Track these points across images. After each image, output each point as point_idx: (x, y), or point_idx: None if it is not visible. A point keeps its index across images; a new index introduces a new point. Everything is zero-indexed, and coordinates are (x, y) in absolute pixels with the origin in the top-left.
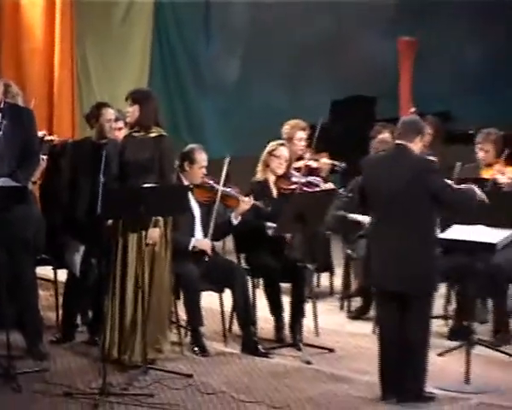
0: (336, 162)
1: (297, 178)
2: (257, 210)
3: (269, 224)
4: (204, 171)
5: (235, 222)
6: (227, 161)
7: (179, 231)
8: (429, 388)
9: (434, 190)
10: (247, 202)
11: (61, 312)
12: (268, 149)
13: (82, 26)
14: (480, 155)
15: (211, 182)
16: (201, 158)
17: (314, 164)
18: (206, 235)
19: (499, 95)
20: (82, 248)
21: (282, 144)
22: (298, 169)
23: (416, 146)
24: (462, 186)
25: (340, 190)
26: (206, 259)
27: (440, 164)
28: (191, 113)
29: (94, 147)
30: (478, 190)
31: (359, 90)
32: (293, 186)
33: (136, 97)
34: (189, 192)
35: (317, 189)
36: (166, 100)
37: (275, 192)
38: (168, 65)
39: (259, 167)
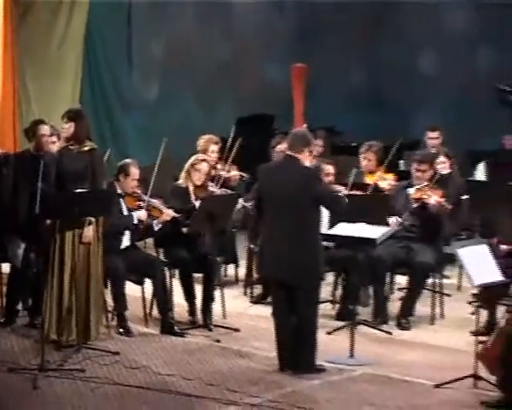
0: (244, 174)
1: (213, 188)
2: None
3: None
4: (136, 183)
5: (156, 228)
6: (163, 144)
7: (114, 218)
8: (320, 361)
9: (317, 195)
10: (168, 215)
11: (4, 299)
12: (191, 161)
13: (22, 53)
14: (364, 163)
15: (139, 192)
16: (135, 172)
17: (226, 175)
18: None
19: (379, 112)
20: (23, 245)
21: (204, 160)
22: (213, 178)
23: (304, 156)
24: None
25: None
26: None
27: (336, 171)
28: (116, 129)
29: (33, 158)
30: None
31: (260, 108)
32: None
33: (71, 115)
34: (121, 199)
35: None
36: (95, 117)
37: (193, 198)
38: (96, 87)
39: (182, 175)
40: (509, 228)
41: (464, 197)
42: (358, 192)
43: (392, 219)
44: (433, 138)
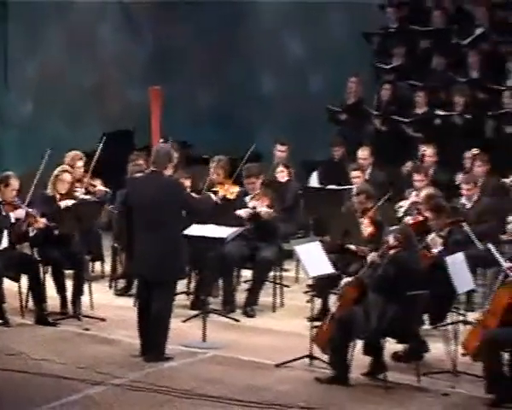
0: (108, 190)
1: (80, 194)
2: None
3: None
4: (15, 193)
5: (31, 234)
6: (47, 153)
7: None
8: (176, 346)
9: (183, 203)
10: (42, 223)
11: None
12: (55, 172)
13: None
14: (214, 176)
15: (18, 201)
16: (14, 183)
17: (92, 189)
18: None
19: (226, 128)
20: None
21: (65, 170)
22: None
23: (168, 170)
24: (199, 196)
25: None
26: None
27: (194, 181)
28: None
29: None
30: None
31: (122, 125)
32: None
33: None
34: (1, 205)
35: None
36: None
37: (60, 204)
38: None
39: (49, 185)
40: (336, 227)
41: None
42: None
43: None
44: (281, 151)
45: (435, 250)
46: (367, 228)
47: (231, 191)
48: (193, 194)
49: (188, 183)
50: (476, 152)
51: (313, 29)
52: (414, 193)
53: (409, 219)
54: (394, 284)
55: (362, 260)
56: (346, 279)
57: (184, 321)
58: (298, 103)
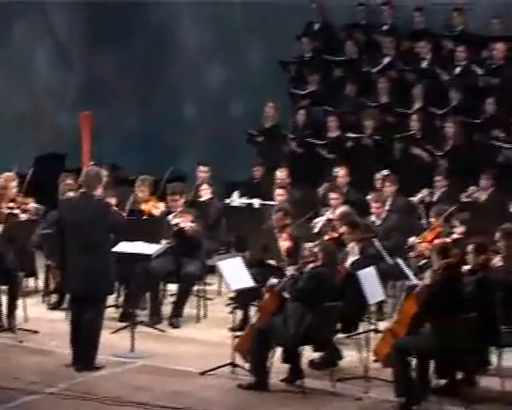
0: (39, 206)
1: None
2: None
3: None
4: None
5: None
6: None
7: None
8: (106, 356)
9: (111, 222)
10: None
11: None
12: None
13: None
14: (139, 195)
15: None
16: None
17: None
18: None
19: (152, 150)
20: None
21: None
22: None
23: (98, 191)
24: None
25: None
26: None
27: (117, 200)
28: None
29: None
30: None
31: (55, 149)
32: None
33: None
34: None
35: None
36: None
37: None
38: None
39: None
40: (256, 243)
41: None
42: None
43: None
44: (203, 172)
45: (351, 260)
46: (284, 243)
47: (156, 207)
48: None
49: (113, 201)
50: (386, 173)
51: (233, 58)
52: (329, 211)
53: (325, 236)
54: (312, 296)
55: (280, 274)
56: (271, 281)
57: (114, 332)
58: (219, 128)
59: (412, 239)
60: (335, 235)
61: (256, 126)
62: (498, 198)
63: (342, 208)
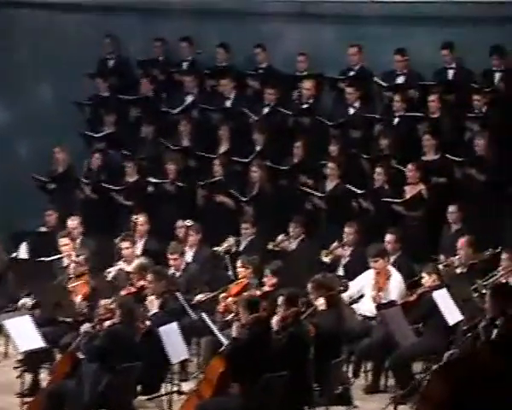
0: None
1: None
2: None
3: None
4: None
5: None
6: None
7: None
8: None
9: None
10: None
11: None
12: None
13: None
14: None
15: None
16: None
17: None
18: None
19: None
20: None
21: None
22: None
23: None
24: None
25: None
26: None
27: None
28: None
29: None
30: None
31: None
32: None
33: None
34: None
35: None
36: None
37: None
38: None
39: None
40: (47, 299)
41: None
42: None
43: None
44: None
45: (151, 312)
46: (80, 292)
47: None
48: None
49: None
50: (189, 223)
51: (20, 96)
52: (122, 261)
53: (122, 291)
54: (109, 356)
55: (75, 332)
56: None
57: None
58: (5, 173)
59: (200, 296)
60: (133, 289)
61: (47, 171)
62: (308, 247)
63: (140, 260)
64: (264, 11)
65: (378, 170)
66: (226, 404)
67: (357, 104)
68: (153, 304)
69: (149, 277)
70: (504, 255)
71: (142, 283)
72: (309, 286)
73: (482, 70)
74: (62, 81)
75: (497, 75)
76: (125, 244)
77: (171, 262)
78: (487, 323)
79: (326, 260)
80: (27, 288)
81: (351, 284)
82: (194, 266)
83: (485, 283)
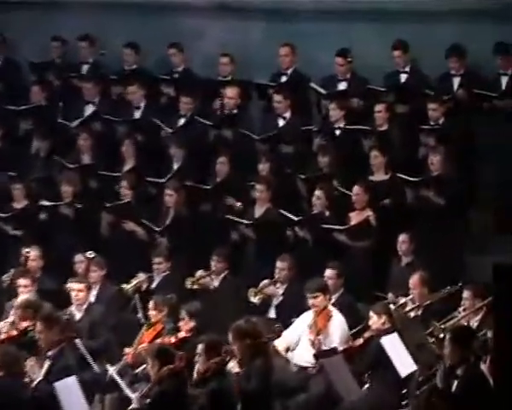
0: None
1: None
2: None
3: None
4: None
5: None
6: None
7: None
8: None
9: None
10: None
11: None
12: None
13: None
14: None
15: None
16: None
17: None
18: None
19: None
20: None
21: None
22: None
23: None
24: None
25: None
26: None
27: None
28: None
29: None
30: None
31: None
32: None
33: None
34: None
35: None
36: None
37: None
38: None
39: None
40: None
41: None
42: None
43: None
44: None
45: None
46: None
47: None
48: None
49: None
50: (91, 256)
51: None
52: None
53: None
54: None
55: None
56: None
57: None
58: None
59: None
60: (15, 333)
61: None
62: (233, 285)
63: (25, 296)
64: (180, 4)
65: (317, 192)
66: None
67: (287, 114)
68: (33, 370)
69: (38, 325)
70: (466, 293)
71: (26, 324)
72: (229, 334)
73: (438, 74)
74: None
75: (456, 80)
76: (22, 281)
77: (74, 297)
78: (446, 372)
79: (254, 300)
80: None
81: (285, 332)
82: (97, 308)
83: (442, 326)
